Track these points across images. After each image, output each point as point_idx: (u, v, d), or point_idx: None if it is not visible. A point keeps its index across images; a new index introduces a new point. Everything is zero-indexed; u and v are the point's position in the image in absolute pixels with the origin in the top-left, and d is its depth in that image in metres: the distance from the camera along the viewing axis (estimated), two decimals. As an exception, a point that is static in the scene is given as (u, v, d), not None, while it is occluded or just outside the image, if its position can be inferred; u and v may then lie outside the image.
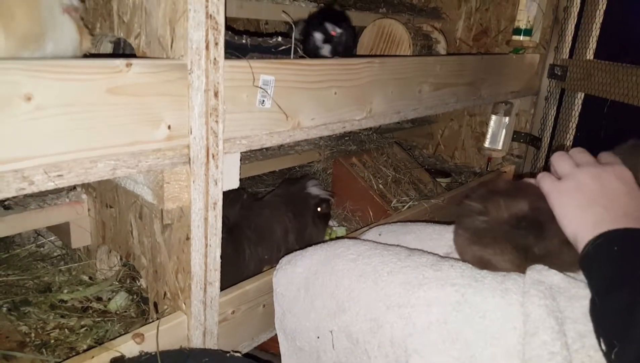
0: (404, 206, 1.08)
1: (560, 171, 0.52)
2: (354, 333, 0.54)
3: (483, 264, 0.53)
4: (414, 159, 1.36)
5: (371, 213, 1.09)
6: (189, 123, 0.52)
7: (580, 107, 1.30)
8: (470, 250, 0.55)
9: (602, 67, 1.17)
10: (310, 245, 0.68)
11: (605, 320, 0.41)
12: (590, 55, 1.25)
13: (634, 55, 1.16)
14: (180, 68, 0.50)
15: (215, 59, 0.53)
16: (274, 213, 0.89)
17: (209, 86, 0.53)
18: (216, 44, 0.53)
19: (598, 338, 0.40)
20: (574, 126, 1.31)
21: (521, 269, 0.50)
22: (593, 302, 0.43)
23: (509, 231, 0.52)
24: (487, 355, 0.44)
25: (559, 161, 0.52)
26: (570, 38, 1.29)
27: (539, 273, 0.46)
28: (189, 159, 0.53)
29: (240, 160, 0.61)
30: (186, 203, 0.55)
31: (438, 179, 1.31)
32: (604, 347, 0.39)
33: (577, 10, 1.26)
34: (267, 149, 1.06)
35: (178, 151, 0.52)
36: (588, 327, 0.41)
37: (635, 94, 1.07)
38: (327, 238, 1.00)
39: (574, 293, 0.44)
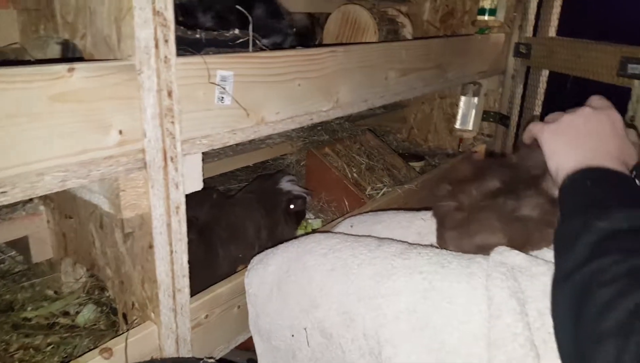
0: (378, 193, 1.08)
1: (553, 118, 0.53)
2: (327, 329, 0.54)
3: (483, 251, 0.52)
4: (387, 145, 1.36)
5: (347, 203, 1.08)
6: (142, 126, 0.50)
7: (545, 84, 1.33)
8: (464, 244, 0.54)
9: (563, 44, 1.19)
10: (282, 242, 0.67)
11: (558, 242, 0.44)
12: (552, 32, 1.27)
13: (595, 30, 1.18)
14: (129, 69, 0.48)
15: (166, 57, 0.50)
16: (246, 210, 0.87)
17: (162, 85, 0.51)
18: (166, 41, 0.50)
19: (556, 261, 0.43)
20: (540, 103, 1.34)
21: (515, 236, 0.51)
22: (557, 228, 0.46)
23: (487, 205, 0.52)
24: (455, 340, 0.44)
25: (553, 114, 0.54)
26: (534, 16, 1.31)
27: (501, 255, 0.47)
28: (145, 164, 0.51)
29: (209, 158, 0.60)
30: (146, 209, 0.53)
31: (411, 163, 1.32)
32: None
33: (539, -13, 1.27)
34: (237, 144, 1.04)
35: (132, 156, 0.50)
36: (548, 304, 0.42)
37: (593, 69, 1.10)
38: (302, 231, 1.00)
39: (534, 272, 0.45)
